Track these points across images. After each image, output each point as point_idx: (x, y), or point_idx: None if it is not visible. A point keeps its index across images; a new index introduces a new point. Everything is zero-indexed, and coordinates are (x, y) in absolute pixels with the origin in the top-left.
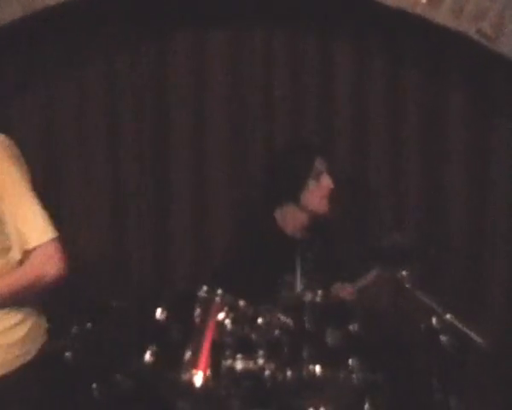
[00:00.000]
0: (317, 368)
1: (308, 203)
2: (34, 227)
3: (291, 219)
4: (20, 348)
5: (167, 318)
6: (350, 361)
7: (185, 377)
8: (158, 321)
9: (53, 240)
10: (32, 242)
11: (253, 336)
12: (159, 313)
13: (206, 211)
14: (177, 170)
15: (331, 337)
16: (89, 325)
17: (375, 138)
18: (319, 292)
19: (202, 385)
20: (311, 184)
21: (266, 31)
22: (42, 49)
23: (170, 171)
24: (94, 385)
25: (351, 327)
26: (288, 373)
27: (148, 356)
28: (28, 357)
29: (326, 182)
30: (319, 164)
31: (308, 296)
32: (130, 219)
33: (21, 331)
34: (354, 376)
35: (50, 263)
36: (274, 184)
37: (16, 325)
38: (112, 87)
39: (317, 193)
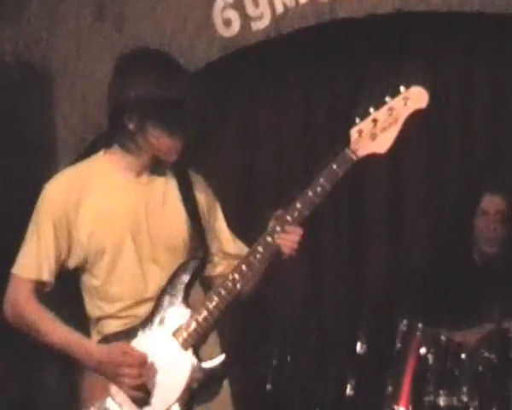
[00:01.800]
0: None
1: (477, 242)
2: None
3: (475, 248)
4: None
5: (367, 351)
6: None
7: None
8: (358, 354)
9: None
10: None
11: (456, 371)
12: (359, 346)
13: (401, 239)
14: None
15: None
16: (289, 357)
17: None
18: None
19: None
20: (477, 223)
21: (463, 61)
22: (239, 86)
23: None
24: None
25: None
26: None
27: (349, 389)
28: None
29: (489, 221)
30: (486, 202)
31: None
32: (326, 253)
33: None
34: None
35: None
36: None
37: None
38: (308, 117)
39: (482, 233)
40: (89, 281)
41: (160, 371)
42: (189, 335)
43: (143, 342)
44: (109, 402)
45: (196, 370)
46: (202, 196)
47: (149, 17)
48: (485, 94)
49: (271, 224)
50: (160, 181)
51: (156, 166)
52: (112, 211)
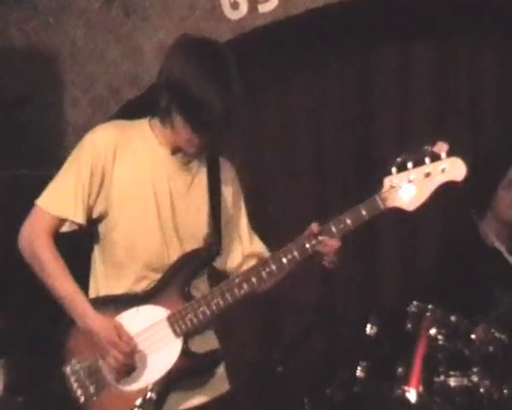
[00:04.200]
0: None
1: (498, 212)
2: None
3: (490, 229)
4: None
5: (378, 333)
6: None
7: (397, 392)
8: (369, 336)
9: None
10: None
11: (467, 352)
12: (369, 328)
13: (413, 225)
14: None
15: None
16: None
17: None
18: None
19: (415, 401)
20: (502, 193)
21: (473, 41)
22: (248, 69)
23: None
24: (305, 399)
25: None
26: (504, 391)
27: (359, 371)
28: None
29: None
30: None
31: None
32: None
33: None
34: None
35: None
36: (474, 195)
37: None
38: (318, 99)
39: (506, 202)
40: (103, 230)
41: (145, 350)
42: (184, 323)
43: (134, 317)
44: (92, 362)
45: (184, 358)
46: (228, 189)
47: (157, 1)
48: (494, 73)
49: (306, 232)
50: (192, 167)
51: None
52: (143, 173)
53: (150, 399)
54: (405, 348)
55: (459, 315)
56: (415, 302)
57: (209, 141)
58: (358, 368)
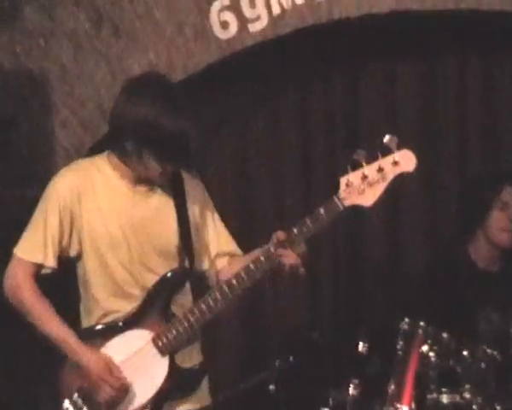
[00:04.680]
0: None
1: (490, 234)
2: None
3: (481, 250)
4: None
5: (369, 351)
6: None
7: None
8: (360, 354)
9: None
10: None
11: (459, 369)
12: (361, 346)
13: (399, 241)
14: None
15: None
16: (291, 358)
17: None
18: None
19: None
20: (496, 214)
21: (459, 61)
22: (237, 88)
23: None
24: None
25: None
26: (497, 407)
27: (351, 389)
28: None
29: (509, 214)
30: (507, 194)
31: None
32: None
33: None
34: None
35: None
36: (464, 214)
37: None
38: (305, 116)
39: (499, 224)
40: (82, 269)
41: (136, 373)
42: (169, 342)
43: (121, 343)
44: (87, 390)
45: (171, 376)
46: (195, 202)
47: (146, 22)
48: (480, 92)
49: (272, 240)
50: (156, 193)
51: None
52: (107, 209)
53: None
54: (397, 365)
55: (450, 333)
56: (406, 319)
57: (184, 167)
58: (350, 386)
